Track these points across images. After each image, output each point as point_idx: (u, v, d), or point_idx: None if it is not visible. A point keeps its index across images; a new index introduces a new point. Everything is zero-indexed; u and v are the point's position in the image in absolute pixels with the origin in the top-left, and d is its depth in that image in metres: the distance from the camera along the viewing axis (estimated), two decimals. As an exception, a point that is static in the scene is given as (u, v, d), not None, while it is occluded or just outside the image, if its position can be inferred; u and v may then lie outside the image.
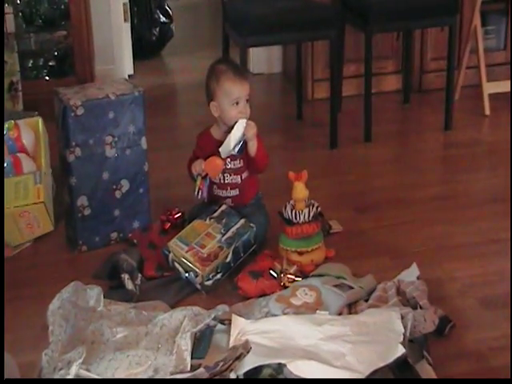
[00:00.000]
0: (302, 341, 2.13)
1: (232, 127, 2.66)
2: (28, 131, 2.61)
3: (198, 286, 2.50)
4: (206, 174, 2.69)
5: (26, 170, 2.41)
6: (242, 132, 2.65)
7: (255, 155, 2.71)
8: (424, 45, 4.32)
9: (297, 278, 2.47)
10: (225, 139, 2.69)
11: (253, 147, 2.70)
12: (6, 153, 2.48)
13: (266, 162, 2.78)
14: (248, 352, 2.07)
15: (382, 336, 2.10)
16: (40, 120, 2.33)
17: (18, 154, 2.49)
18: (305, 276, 2.50)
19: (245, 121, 2.66)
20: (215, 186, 2.79)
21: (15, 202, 2.03)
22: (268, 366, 2.03)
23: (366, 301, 2.35)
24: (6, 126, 2.49)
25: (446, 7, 3.69)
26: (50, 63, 4.31)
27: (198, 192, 2.71)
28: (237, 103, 2.68)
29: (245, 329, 2.18)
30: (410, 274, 2.47)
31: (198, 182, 2.71)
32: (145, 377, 2.03)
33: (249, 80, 2.75)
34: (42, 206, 2.32)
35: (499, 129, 3.82)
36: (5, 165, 2.44)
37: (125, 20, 4.62)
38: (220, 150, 2.67)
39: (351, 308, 2.33)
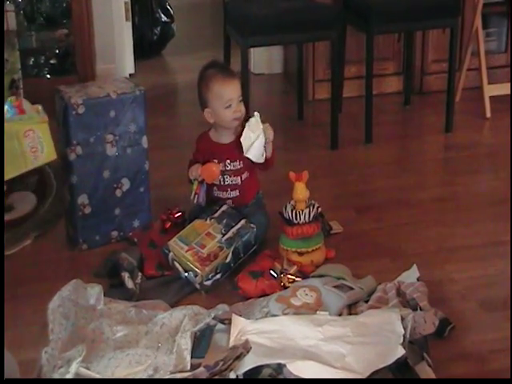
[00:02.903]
0: (301, 341, 2.13)
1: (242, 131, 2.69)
2: (28, 105, 2.59)
3: (198, 286, 2.50)
4: (203, 179, 2.70)
5: (28, 112, 2.39)
6: (253, 132, 2.67)
7: (270, 155, 2.73)
8: (425, 46, 4.32)
9: (297, 279, 2.47)
10: (223, 141, 2.77)
11: (270, 149, 2.72)
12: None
13: (275, 160, 2.79)
14: (248, 352, 2.07)
15: (382, 337, 2.10)
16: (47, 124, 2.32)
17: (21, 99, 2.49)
18: (305, 276, 2.50)
19: (252, 120, 2.67)
20: (215, 188, 2.79)
21: (19, 123, 2.03)
22: (268, 366, 2.03)
23: (366, 302, 2.35)
24: (8, 99, 2.49)
25: (447, 9, 3.69)
26: (51, 61, 4.32)
27: (195, 196, 2.72)
28: (230, 105, 2.69)
29: (245, 328, 2.18)
30: (411, 276, 2.47)
31: (195, 187, 2.72)
32: (145, 376, 2.03)
33: (238, 79, 2.76)
34: (46, 125, 2.29)
35: (500, 131, 3.82)
36: (6, 107, 2.43)
37: (126, 19, 4.62)
38: (245, 154, 2.70)
39: (351, 309, 2.33)
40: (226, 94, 2.69)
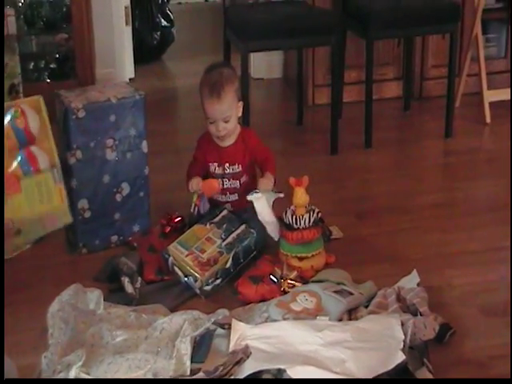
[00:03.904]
0: (301, 346, 2.12)
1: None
2: (33, 115, 2.61)
3: (197, 291, 2.50)
4: (203, 193, 2.71)
5: (42, 166, 2.37)
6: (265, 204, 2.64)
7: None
8: (425, 52, 4.33)
9: (297, 284, 2.47)
10: (223, 144, 2.78)
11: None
12: (15, 146, 2.47)
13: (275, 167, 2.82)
14: (248, 357, 2.07)
15: (382, 342, 2.10)
16: (41, 100, 2.25)
17: (31, 148, 2.46)
18: (305, 281, 2.49)
19: (258, 196, 2.62)
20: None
21: (40, 206, 2.05)
22: (268, 371, 2.02)
23: (366, 307, 2.34)
24: (11, 112, 2.46)
25: (447, 15, 3.70)
26: (51, 66, 4.32)
27: (195, 208, 2.72)
28: (213, 122, 2.70)
29: (245, 334, 2.18)
30: (410, 281, 2.47)
31: (195, 199, 2.72)
32: (144, 381, 2.03)
33: (229, 97, 2.67)
34: (65, 206, 2.30)
35: (499, 137, 3.82)
36: (18, 159, 2.42)
37: (126, 23, 4.63)
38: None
39: (351, 314, 2.32)
40: (208, 113, 2.69)
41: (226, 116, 2.69)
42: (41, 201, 2.12)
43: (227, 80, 2.69)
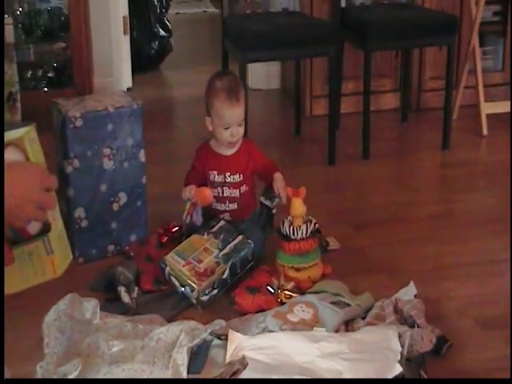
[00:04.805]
0: (298, 357, 2.11)
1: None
2: (17, 158, 2.53)
3: (194, 301, 2.49)
4: (196, 201, 2.70)
5: (32, 230, 2.34)
6: None
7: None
8: (422, 64, 4.34)
9: (294, 295, 2.46)
10: (224, 153, 2.77)
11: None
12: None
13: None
14: (245, 368, 2.05)
15: (380, 354, 2.09)
16: (26, 137, 2.21)
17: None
18: (302, 292, 2.49)
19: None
20: (214, 200, 2.78)
21: (34, 278, 2.05)
22: (265, 382, 2.02)
23: (363, 318, 2.34)
24: None
25: (444, 27, 3.71)
26: (49, 74, 4.32)
27: (187, 216, 2.71)
28: (228, 127, 2.69)
29: (241, 344, 2.17)
30: (408, 293, 2.46)
31: (188, 207, 2.71)
32: (140, 391, 2.02)
33: (243, 101, 2.72)
34: (63, 256, 2.30)
35: (496, 149, 3.83)
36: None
37: (124, 33, 4.63)
38: None
39: (348, 325, 2.32)
40: (226, 118, 2.69)
41: (241, 119, 2.71)
42: (35, 273, 2.11)
43: (239, 85, 2.75)
